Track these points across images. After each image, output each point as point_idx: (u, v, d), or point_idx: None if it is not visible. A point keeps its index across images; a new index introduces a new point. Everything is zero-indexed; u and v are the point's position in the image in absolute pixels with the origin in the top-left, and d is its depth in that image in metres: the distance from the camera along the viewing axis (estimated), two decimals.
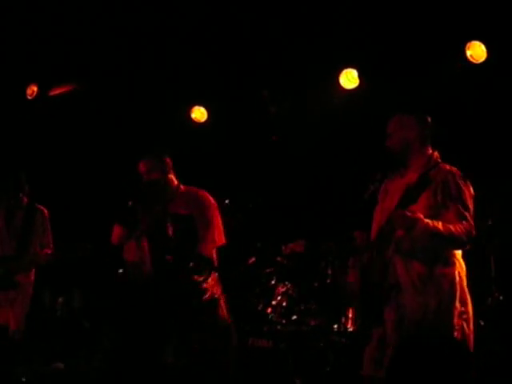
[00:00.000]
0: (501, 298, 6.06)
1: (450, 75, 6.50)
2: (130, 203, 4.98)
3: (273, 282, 6.24)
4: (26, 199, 5.55)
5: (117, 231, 5.12)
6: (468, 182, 4.03)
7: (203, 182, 7.99)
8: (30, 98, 7.63)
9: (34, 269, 5.52)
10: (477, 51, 6.28)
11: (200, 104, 7.86)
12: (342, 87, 6.96)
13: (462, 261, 4.03)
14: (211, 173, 8.00)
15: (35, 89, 7.62)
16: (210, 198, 5.12)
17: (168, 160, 5.15)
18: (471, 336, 4.00)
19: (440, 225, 3.81)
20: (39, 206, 5.62)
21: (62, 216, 7.39)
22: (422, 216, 3.83)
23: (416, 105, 6.81)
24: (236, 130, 7.91)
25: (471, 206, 3.95)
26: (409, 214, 3.84)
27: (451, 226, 3.82)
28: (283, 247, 6.30)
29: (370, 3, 6.24)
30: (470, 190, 4.02)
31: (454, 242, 3.86)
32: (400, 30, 6.40)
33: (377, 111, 6.69)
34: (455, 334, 3.89)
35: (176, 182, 5.14)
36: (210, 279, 4.96)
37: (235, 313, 6.45)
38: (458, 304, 3.92)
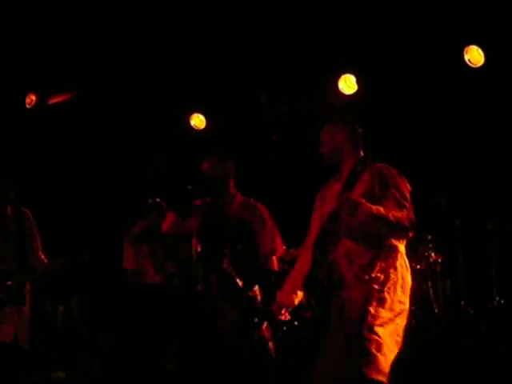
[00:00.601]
0: (502, 301, 6.07)
1: (448, 80, 6.52)
2: (190, 187, 4.79)
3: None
4: (9, 207, 5.51)
5: (169, 219, 4.92)
6: (403, 177, 4.07)
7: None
8: (28, 106, 7.63)
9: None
10: (474, 55, 6.30)
11: (199, 111, 7.87)
12: (340, 93, 6.98)
13: (406, 259, 4.05)
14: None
15: (34, 97, 7.62)
16: (267, 211, 4.99)
17: (231, 164, 5.03)
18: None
19: (382, 209, 3.87)
20: (23, 209, 5.58)
21: (61, 222, 7.41)
22: (363, 200, 3.88)
23: (414, 109, 6.87)
24: (235, 137, 7.92)
25: (409, 198, 3.98)
26: (352, 197, 3.93)
27: (393, 211, 3.87)
28: (284, 253, 6.28)
29: (368, 9, 6.25)
30: (407, 185, 4.05)
31: (396, 226, 3.87)
32: (398, 36, 6.42)
33: (375, 117, 6.72)
34: (393, 316, 3.89)
35: (234, 190, 5.02)
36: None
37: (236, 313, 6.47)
38: (399, 292, 3.94)
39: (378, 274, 3.94)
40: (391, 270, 3.95)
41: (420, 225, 6.04)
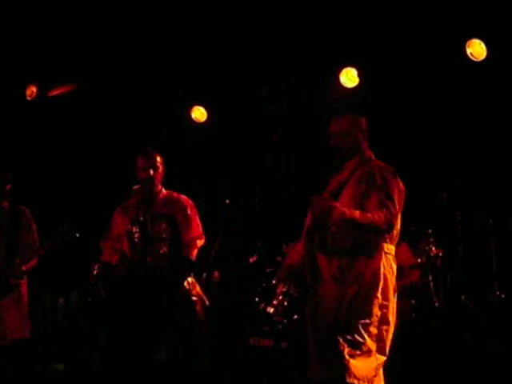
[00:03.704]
0: (502, 296, 6.07)
1: (450, 73, 6.50)
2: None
3: (274, 282, 6.22)
4: (6, 202, 5.51)
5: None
6: (397, 177, 4.01)
7: (203, 182, 8.04)
8: (29, 98, 7.62)
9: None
10: (476, 49, 6.28)
11: (200, 104, 7.85)
12: (342, 86, 6.96)
13: (392, 260, 3.99)
14: (211, 172, 8.01)
15: (34, 89, 7.61)
16: (190, 202, 5.22)
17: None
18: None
19: (357, 213, 3.83)
20: (20, 206, 5.59)
21: (60, 216, 7.40)
22: (338, 205, 3.85)
23: (416, 103, 6.85)
24: (236, 130, 7.91)
25: (396, 198, 3.91)
26: (324, 200, 3.89)
27: (369, 214, 3.83)
28: (284, 246, 6.28)
29: (369, 2, 6.24)
30: (399, 185, 4.00)
31: (371, 229, 3.85)
32: (400, 29, 6.40)
33: (376, 110, 6.70)
34: (371, 319, 3.85)
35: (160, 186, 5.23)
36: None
37: (236, 312, 6.47)
38: (379, 295, 3.88)
39: (355, 277, 3.88)
40: (370, 273, 3.88)
41: (421, 219, 6.10)
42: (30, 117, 7.75)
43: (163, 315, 4.96)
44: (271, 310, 6.02)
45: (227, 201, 6.20)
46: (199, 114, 7.87)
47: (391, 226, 3.88)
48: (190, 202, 5.26)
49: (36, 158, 7.80)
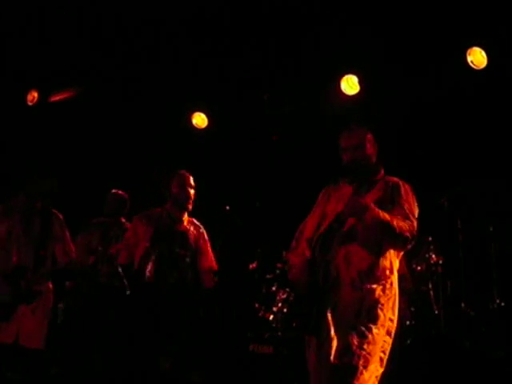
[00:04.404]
0: (502, 303, 6.06)
1: (451, 81, 6.51)
2: None
3: (274, 289, 6.23)
4: (39, 204, 5.47)
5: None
6: (415, 195, 4.13)
7: (204, 188, 8.04)
8: (30, 103, 7.62)
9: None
10: (477, 57, 6.29)
11: (201, 110, 7.86)
12: (343, 93, 6.97)
13: (397, 275, 4.07)
14: (212, 178, 8.00)
15: (36, 95, 7.61)
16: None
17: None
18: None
19: (389, 216, 3.90)
20: (54, 210, 5.55)
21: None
22: (372, 204, 3.92)
23: (416, 111, 6.86)
24: (237, 136, 7.91)
25: (416, 214, 4.03)
26: (362, 200, 3.95)
27: (396, 220, 3.90)
28: (284, 253, 6.28)
29: (371, 10, 6.24)
30: (416, 203, 4.11)
31: (399, 236, 3.91)
32: (401, 37, 6.40)
33: (377, 118, 6.71)
34: (384, 330, 3.92)
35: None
36: None
37: (236, 319, 6.46)
38: (391, 308, 3.96)
39: (374, 286, 3.93)
40: (387, 286, 3.96)
41: (421, 226, 6.10)
42: (31, 122, 7.74)
43: (174, 325, 5.00)
44: (271, 316, 6.05)
45: (227, 207, 6.20)
46: (200, 120, 7.88)
47: (414, 237, 3.95)
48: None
49: (36, 162, 7.79)
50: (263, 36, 6.78)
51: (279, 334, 5.94)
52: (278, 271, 6.23)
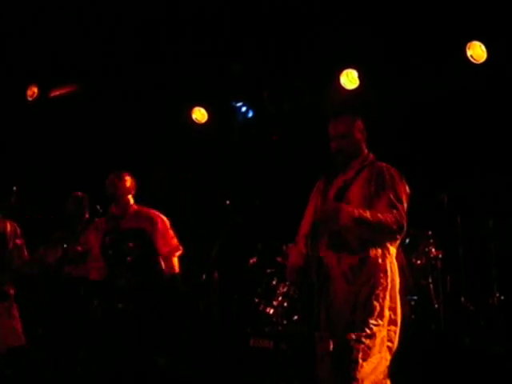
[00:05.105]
0: (502, 297, 6.07)
1: (451, 75, 6.50)
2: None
3: (274, 283, 6.23)
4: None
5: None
6: (403, 180, 4.04)
7: (204, 183, 8.05)
8: (30, 99, 7.62)
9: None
10: (477, 51, 6.28)
11: (200, 105, 7.85)
12: (342, 88, 6.96)
13: (395, 261, 4.02)
14: (212, 173, 8.01)
15: (36, 90, 7.61)
16: (160, 216, 5.47)
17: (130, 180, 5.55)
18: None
19: (367, 213, 3.84)
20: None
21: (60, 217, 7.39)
22: (345, 205, 3.87)
23: (416, 104, 6.85)
24: (236, 131, 7.91)
25: (405, 201, 3.96)
26: (332, 203, 3.91)
27: (379, 215, 3.84)
28: (284, 247, 6.29)
29: (370, 4, 6.24)
30: (406, 187, 4.03)
31: (382, 230, 3.86)
32: (400, 31, 6.40)
33: (377, 112, 6.71)
34: (383, 320, 3.89)
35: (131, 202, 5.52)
36: None
37: (237, 314, 6.47)
38: (388, 296, 3.92)
39: (368, 278, 3.91)
40: (381, 275, 3.92)
41: (421, 220, 6.10)
42: (31, 117, 7.75)
43: (168, 323, 5.02)
44: (271, 310, 6.06)
45: (227, 202, 6.21)
46: (200, 115, 7.87)
47: (402, 227, 3.91)
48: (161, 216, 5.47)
49: (36, 158, 7.80)
50: (263, 32, 6.77)
51: (280, 328, 5.96)
52: (278, 265, 6.24)
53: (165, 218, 5.47)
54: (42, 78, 7.57)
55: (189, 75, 7.32)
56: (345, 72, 6.93)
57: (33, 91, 7.56)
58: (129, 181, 5.51)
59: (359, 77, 6.88)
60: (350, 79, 6.94)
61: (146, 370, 4.92)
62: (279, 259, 6.30)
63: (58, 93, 7.55)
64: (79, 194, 6.04)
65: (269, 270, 6.34)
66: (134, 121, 7.78)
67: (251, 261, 6.65)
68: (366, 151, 4.21)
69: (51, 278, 5.60)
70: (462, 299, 6.17)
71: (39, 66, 7.38)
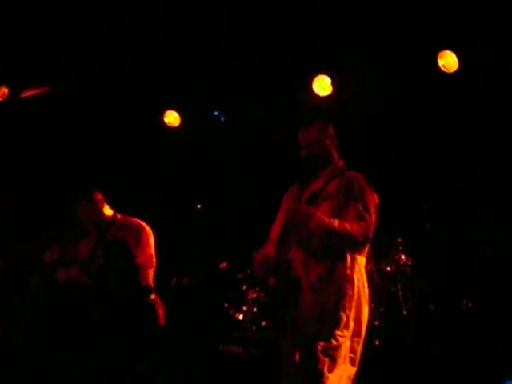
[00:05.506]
0: (469, 304, 6.12)
1: (423, 84, 6.55)
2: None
3: (244, 288, 6.23)
4: None
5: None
6: (373, 190, 4.06)
7: (175, 187, 8.01)
8: (0, 99, 7.53)
9: None
10: (448, 61, 6.33)
11: (173, 108, 7.81)
12: (315, 94, 6.97)
13: (363, 271, 4.03)
14: (184, 177, 7.98)
15: (6, 90, 7.52)
16: (143, 227, 5.35)
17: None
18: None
19: (336, 222, 3.85)
20: None
21: (32, 217, 7.33)
22: (318, 212, 3.88)
23: (389, 111, 6.90)
24: (210, 135, 7.89)
25: (373, 211, 3.97)
26: (304, 208, 3.92)
27: (347, 225, 3.85)
28: (254, 252, 6.29)
29: (341, 12, 6.26)
30: (375, 197, 4.04)
31: (348, 240, 3.88)
32: (373, 39, 6.42)
33: (349, 118, 6.74)
34: (348, 331, 3.90)
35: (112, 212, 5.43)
36: None
37: (206, 318, 6.46)
38: (354, 307, 3.92)
39: (334, 289, 3.90)
40: (348, 286, 3.92)
41: (391, 227, 6.14)
42: (1, 118, 7.65)
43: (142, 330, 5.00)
44: (241, 316, 6.06)
45: (199, 206, 6.20)
46: (172, 118, 7.82)
47: (367, 239, 3.92)
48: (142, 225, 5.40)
49: (6, 159, 7.71)
50: (236, 36, 6.76)
51: (249, 333, 5.95)
52: (248, 271, 6.23)
53: (148, 229, 5.39)
54: (12, 79, 7.48)
55: (161, 77, 7.27)
56: (317, 78, 6.92)
57: (3, 92, 7.47)
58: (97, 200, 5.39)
59: (332, 84, 6.89)
60: (322, 86, 6.93)
61: (123, 375, 4.89)
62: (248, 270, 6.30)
63: (29, 94, 7.46)
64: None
65: (239, 275, 6.34)
66: (105, 124, 7.71)
67: (221, 265, 6.64)
68: (336, 158, 4.22)
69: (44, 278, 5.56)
70: (431, 306, 6.21)
71: (10, 67, 7.29)
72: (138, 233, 5.29)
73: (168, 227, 7.60)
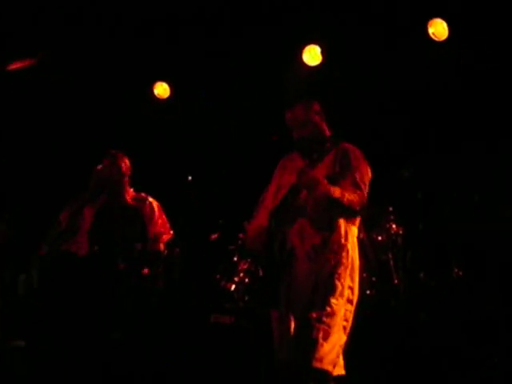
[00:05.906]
0: (460, 273, 6.15)
1: (413, 52, 6.52)
2: None
3: (235, 259, 6.24)
4: None
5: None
6: (367, 162, 4.14)
7: (165, 159, 7.98)
8: None
9: None
10: (438, 29, 6.30)
11: (163, 80, 7.75)
12: (305, 64, 6.93)
13: (356, 241, 4.11)
14: (173, 149, 7.95)
15: None
16: (156, 202, 5.55)
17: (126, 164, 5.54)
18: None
19: (338, 191, 3.93)
20: None
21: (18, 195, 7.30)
22: (324, 181, 3.95)
23: (379, 82, 6.87)
24: (199, 107, 7.84)
25: (367, 183, 4.07)
26: (313, 174, 3.98)
27: (347, 193, 3.94)
28: (245, 223, 6.29)
29: None
30: (368, 169, 4.13)
31: (348, 209, 3.96)
32: (363, 7, 6.38)
33: (339, 88, 6.72)
34: (343, 299, 3.95)
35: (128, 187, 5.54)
36: None
37: (197, 289, 6.47)
38: (348, 276, 3.99)
39: (329, 257, 3.96)
40: (343, 254, 3.99)
41: (382, 197, 6.14)
42: None
43: (118, 295, 5.02)
44: (232, 286, 6.07)
45: (189, 177, 6.19)
46: (162, 90, 7.77)
47: (363, 207, 4.02)
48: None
49: None
50: (226, 7, 6.71)
51: (240, 304, 5.97)
52: (239, 241, 6.23)
53: (154, 202, 5.53)
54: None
55: (151, 49, 7.21)
56: (307, 48, 6.89)
57: None
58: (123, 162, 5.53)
59: (322, 53, 6.85)
60: (312, 55, 6.90)
61: (100, 343, 4.93)
62: (241, 235, 6.30)
63: (14, 67, 7.39)
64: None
65: (230, 247, 6.34)
66: (94, 97, 7.65)
67: (213, 237, 6.64)
68: (327, 132, 4.24)
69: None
70: (422, 275, 6.24)
71: None
72: (151, 204, 5.48)
73: (159, 199, 7.61)
